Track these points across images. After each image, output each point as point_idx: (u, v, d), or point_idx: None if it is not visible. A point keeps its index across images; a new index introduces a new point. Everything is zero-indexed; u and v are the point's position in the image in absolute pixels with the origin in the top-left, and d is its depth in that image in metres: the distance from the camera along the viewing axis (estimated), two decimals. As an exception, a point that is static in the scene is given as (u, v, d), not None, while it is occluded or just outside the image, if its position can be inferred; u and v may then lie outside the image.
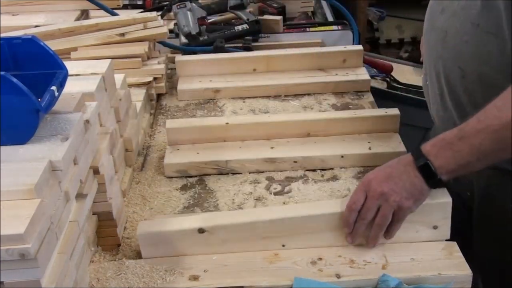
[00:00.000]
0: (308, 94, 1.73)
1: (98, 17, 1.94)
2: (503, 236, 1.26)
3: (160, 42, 1.89)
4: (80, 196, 1.04)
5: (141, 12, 2.04)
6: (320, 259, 1.09)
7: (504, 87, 1.05)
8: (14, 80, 0.93)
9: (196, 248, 1.11)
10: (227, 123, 1.45)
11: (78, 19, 2.13)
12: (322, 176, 1.38)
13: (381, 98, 1.85)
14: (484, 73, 1.16)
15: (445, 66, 1.24)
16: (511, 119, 1.00)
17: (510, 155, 1.07)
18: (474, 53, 1.16)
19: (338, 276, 1.05)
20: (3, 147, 0.97)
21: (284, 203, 1.28)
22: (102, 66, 1.31)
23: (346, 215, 1.09)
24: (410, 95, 2.34)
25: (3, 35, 1.26)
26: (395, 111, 1.49)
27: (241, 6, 2.04)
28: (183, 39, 1.97)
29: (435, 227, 1.12)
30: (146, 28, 1.78)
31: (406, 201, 1.07)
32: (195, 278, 1.06)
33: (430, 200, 1.11)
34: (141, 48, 1.73)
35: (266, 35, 2.05)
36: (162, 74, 1.75)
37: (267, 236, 1.11)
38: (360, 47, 1.84)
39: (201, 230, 1.10)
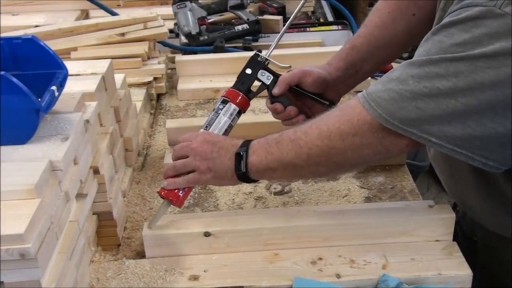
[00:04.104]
0: (308, 94, 1.73)
1: (98, 17, 1.94)
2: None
3: (160, 42, 1.89)
4: (80, 196, 1.04)
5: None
6: (320, 259, 1.09)
7: None
8: (14, 80, 0.93)
9: (199, 250, 1.11)
10: (227, 123, 1.45)
11: (78, 19, 2.13)
12: (322, 176, 1.38)
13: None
14: None
15: None
16: (320, 146, 1.01)
17: (307, 175, 1.13)
18: None
19: (338, 276, 1.05)
20: (3, 147, 0.97)
21: (284, 203, 1.28)
22: (102, 66, 1.31)
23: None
24: (410, 95, 2.33)
25: (3, 35, 1.26)
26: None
27: (241, 6, 2.03)
28: (183, 39, 1.97)
29: (437, 241, 1.12)
30: (146, 28, 1.78)
31: (205, 171, 1.08)
32: (195, 278, 1.06)
33: (433, 215, 1.11)
34: (141, 48, 1.73)
35: (266, 35, 2.05)
36: (162, 74, 1.75)
37: (271, 242, 1.11)
38: (360, 47, 1.83)
39: (206, 234, 1.10)
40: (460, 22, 0.88)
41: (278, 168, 1.06)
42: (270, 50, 1.26)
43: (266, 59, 1.24)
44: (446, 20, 0.91)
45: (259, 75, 1.24)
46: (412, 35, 1.22)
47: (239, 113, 1.21)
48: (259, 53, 1.25)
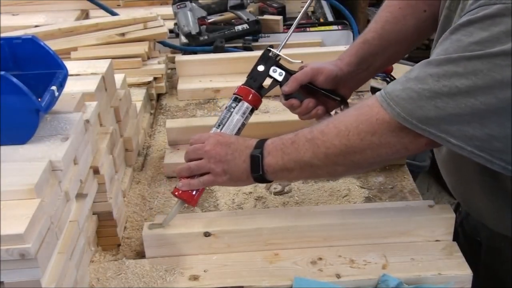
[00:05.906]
0: (308, 94, 1.73)
1: (98, 17, 1.94)
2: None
3: (160, 42, 1.89)
4: (80, 196, 1.04)
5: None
6: (320, 259, 1.09)
7: None
8: (14, 80, 0.93)
9: (199, 250, 1.11)
10: (227, 123, 1.45)
11: (78, 19, 2.13)
12: (322, 176, 1.37)
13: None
14: None
15: None
16: (338, 146, 1.00)
17: (324, 175, 1.13)
18: None
19: (338, 276, 1.05)
20: (3, 147, 0.97)
21: (284, 203, 1.28)
22: (102, 66, 1.31)
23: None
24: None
25: (3, 35, 1.26)
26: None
27: (241, 6, 2.03)
28: (183, 39, 1.97)
29: (437, 241, 1.12)
30: (146, 28, 1.78)
31: (221, 173, 1.08)
32: (195, 278, 1.06)
33: (433, 215, 1.11)
34: (141, 48, 1.73)
35: (266, 35, 2.05)
36: (162, 74, 1.75)
37: (271, 242, 1.11)
38: (360, 47, 1.83)
39: (206, 234, 1.10)
40: (478, 20, 0.87)
41: (295, 168, 1.05)
42: (281, 46, 1.25)
43: (278, 55, 1.23)
44: (464, 18, 0.90)
45: (270, 72, 1.23)
46: (421, 31, 1.22)
47: (252, 111, 1.21)
48: (271, 49, 1.24)
